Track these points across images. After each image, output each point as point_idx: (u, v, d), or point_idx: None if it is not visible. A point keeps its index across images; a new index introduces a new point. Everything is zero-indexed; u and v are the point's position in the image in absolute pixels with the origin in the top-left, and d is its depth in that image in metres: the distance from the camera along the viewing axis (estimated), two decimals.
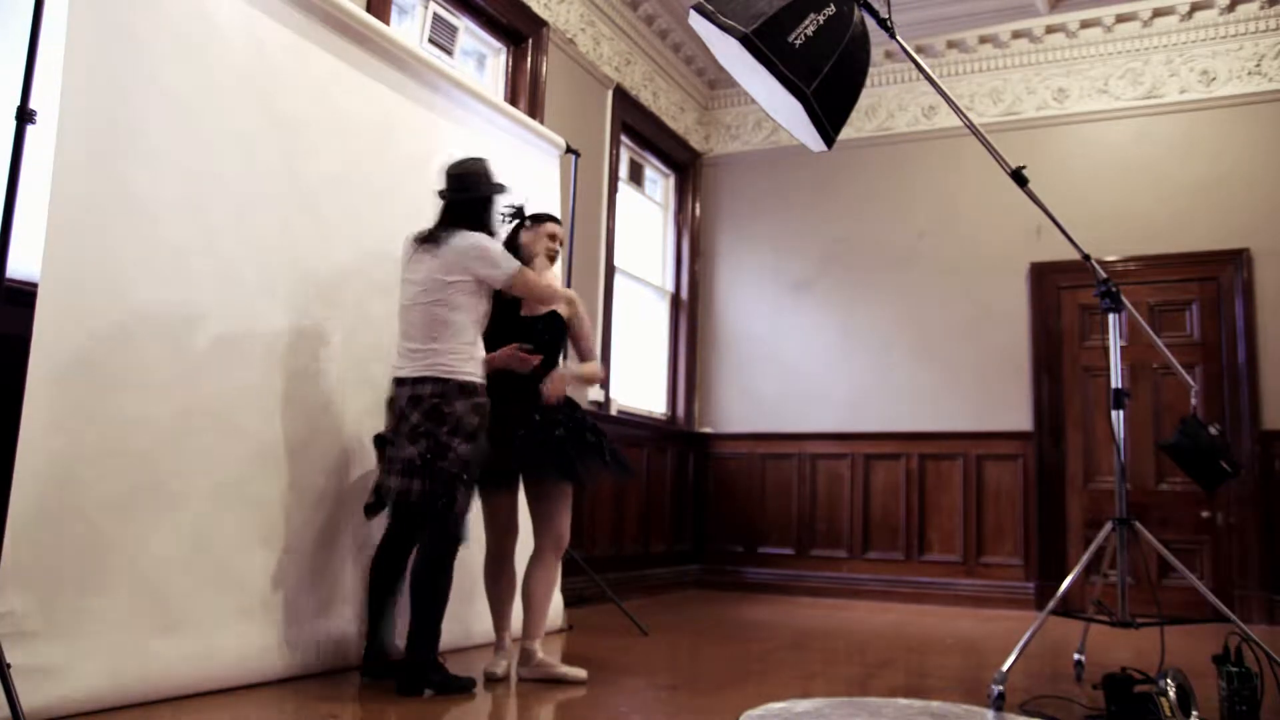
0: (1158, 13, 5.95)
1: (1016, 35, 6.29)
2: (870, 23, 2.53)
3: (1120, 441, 3.02)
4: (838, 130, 2.39)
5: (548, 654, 3.14)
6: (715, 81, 7.17)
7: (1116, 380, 3.10)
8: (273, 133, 3.07)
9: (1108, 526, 2.95)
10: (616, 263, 5.99)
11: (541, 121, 5.00)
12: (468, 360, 2.93)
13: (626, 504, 5.88)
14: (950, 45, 6.45)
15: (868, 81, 2.50)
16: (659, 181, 7.04)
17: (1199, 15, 5.88)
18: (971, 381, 6.14)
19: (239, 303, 2.89)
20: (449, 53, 4.62)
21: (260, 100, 3.03)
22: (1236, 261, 5.67)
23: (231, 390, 2.84)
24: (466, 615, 3.62)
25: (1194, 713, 2.40)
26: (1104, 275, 3.00)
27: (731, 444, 6.75)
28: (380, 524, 3.09)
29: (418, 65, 3.73)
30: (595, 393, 5.62)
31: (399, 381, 2.94)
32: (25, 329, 2.32)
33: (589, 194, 5.60)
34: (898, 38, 2.70)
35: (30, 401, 2.30)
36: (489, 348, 3.13)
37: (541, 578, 3.18)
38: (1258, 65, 5.79)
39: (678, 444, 6.61)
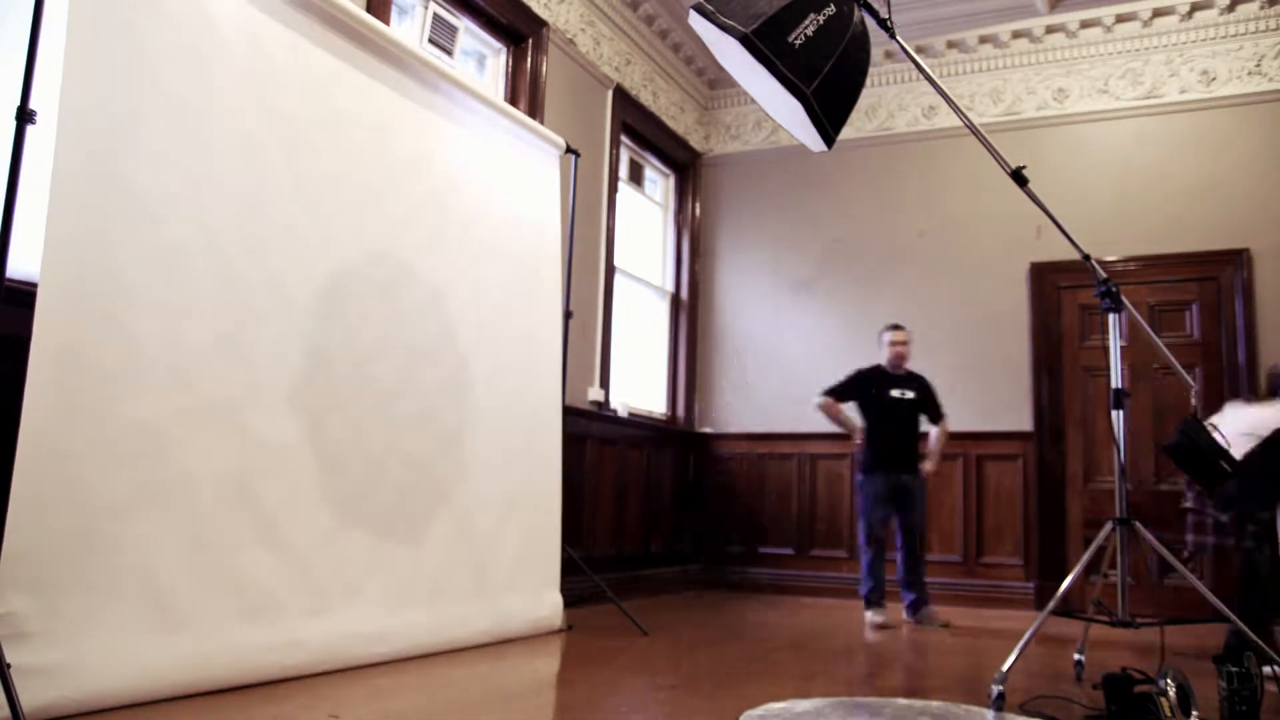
0: (1158, 13, 5.95)
1: (1016, 35, 6.29)
2: (870, 23, 2.53)
3: (1120, 441, 3.02)
4: (838, 130, 2.39)
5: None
6: (715, 81, 7.17)
7: (1116, 380, 3.10)
8: (273, 133, 3.07)
9: (1108, 526, 2.95)
10: (616, 263, 5.99)
11: (541, 121, 5.00)
12: None
13: (626, 504, 5.88)
14: (950, 45, 6.45)
15: (868, 81, 2.50)
16: (659, 181, 7.04)
17: (1199, 15, 5.89)
18: (971, 381, 6.13)
19: (239, 302, 2.89)
20: (449, 53, 4.62)
21: (260, 100, 3.03)
22: (1236, 261, 5.67)
23: (231, 390, 2.84)
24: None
25: (1194, 713, 2.40)
26: (1104, 275, 3.00)
27: (731, 444, 6.75)
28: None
29: (418, 65, 3.73)
30: (595, 393, 5.63)
31: None
32: (25, 329, 2.31)
33: (589, 194, 5.60)
34: (898, 38, 2.70)
35: (30, 401, 2.29)
36: None
37: None
38: (1258, 65, 5.79)
39: (678, 444, 6.61)
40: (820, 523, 6.41)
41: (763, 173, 6.99)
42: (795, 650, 3.95)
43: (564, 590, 4.29)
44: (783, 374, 6.63)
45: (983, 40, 6.36)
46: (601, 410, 5.69)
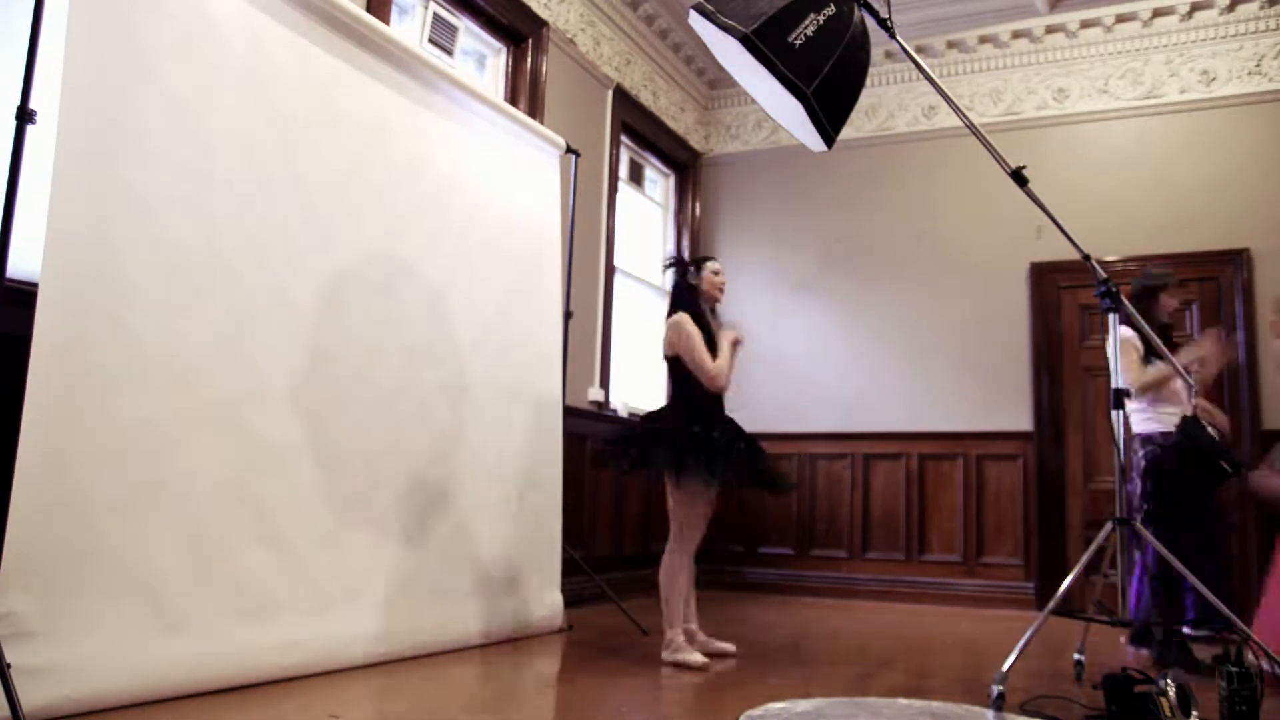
0: (1158, 13, 5.95)
1: (1016, 35, 6.29)
2: (870, 23, 2.54)
3: (1120, 441, 3.03)
4: (838, 130, 2.39)
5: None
6: (715, 81, 7.18)
7: (1116, 380, 3.11)
8: (273, 133, 3.07)
9: (1108, 526, 2.96)
10: (616, 263, 5.99)
11: (541, 121, 5.00)
12: None
13: (626, 504, 5.88)
14: (950, 45, 6.45)
15: (868, 81, 2.50)
16: (659, 181, 7.04)
17: (1199, 15, 5.88)
18: (971, 381, 6.14)
19: (239, 303, 2.89)
20: (449, 53, 4.62)
21: (260, 100, 3.03)
22: (1236, 261, 5.67)
23: (231, 390, 2.84)
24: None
25: (1194, 713, 2.40)
26: (1104, 275, 3.00)
27: None
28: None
29: (418, 65, 3.74)
30: (595, 393, 5.62)
31: None
32: (25, 329, 2.31)
33: (589, 194, 5.60)
34: (898, 38, 2.70)
35: (30, 401, 2.30)
36: None
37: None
38: (1258, 65, 5.79)
39: None
40: (820, 523, 6.41)
41: (763, 173, 6.99)
42: (795, 650, 3.95)
43: (564, 590, 4.29)
44: (783, 374, 6.63)
45: (983, 40, 6.36)
46: (601, 410, 5.69)
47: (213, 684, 2.64)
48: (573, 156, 4.73)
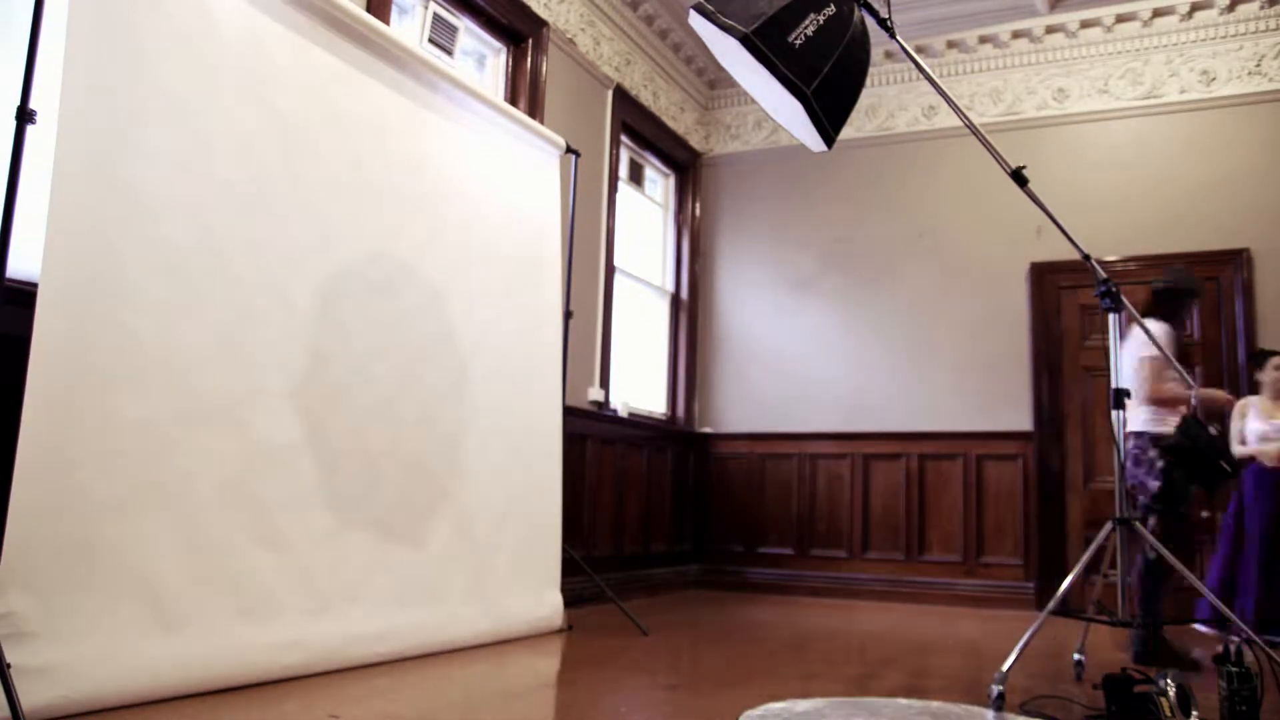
0: (1158, 13, 5.95)
1: (1016, 35, 6.29)
2: (870, 23, 2.54)
3: (1120, 441, 3.02)
4: (838, 130, 2.39)
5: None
6: (715, 81, 7.18)
7: (1116, 380, 3.11)
8: (273, 133, 3.07)
9: (1108, 526, 2.96)
10: (616, 263, 5.99)
11: (541, 121, 5.00)
12: None
13: (626, 504, 5.88)
14: (950, 45, 6.45)
15: (868, 81, 2.50)
16: (659, 181, 7.04)
17: (1199, 15, 5.89)
18: (971, 381, 6.14)
19: (239, 302, 2.89)
20: (449, 53, 4.62)
21: (260, 100, 3.03)
22: (1236, 261, 5.67)
23: (231, 390, 2.84)
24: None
25: (1194, 713, 2.40)
26: (1104, 275, 3.00)
27: (731, 444, 6.75)
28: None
29: (417, 65, 3.73)
30: (595, 393, 5.63)
31: None
32: (25, 329, 2.31)
33: (589, 194, 5.60)
34: (898, 38, 2.70)
35: (30, 401, 2.29)
36: None
37: None
38: (1258, 65, 5.79)
39: (678, 444, 6.61)
40: (820, 523, 6.41)
41: (763, 173, 6.99)
42: (795, 650, 3.94)
43: (564, 590, 4.29)
44: (783, 374, 6.64)
45: (983, 40, 6.36)
46: (601, 410, 5.69)
47: (213, 684, 2.64)
48: (573, 156, 4.73)
